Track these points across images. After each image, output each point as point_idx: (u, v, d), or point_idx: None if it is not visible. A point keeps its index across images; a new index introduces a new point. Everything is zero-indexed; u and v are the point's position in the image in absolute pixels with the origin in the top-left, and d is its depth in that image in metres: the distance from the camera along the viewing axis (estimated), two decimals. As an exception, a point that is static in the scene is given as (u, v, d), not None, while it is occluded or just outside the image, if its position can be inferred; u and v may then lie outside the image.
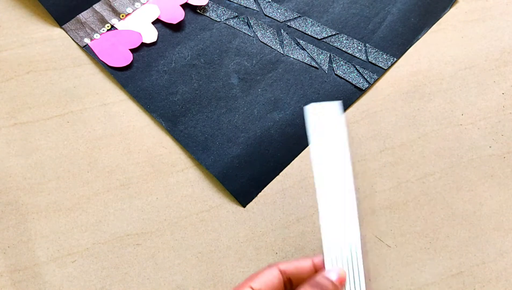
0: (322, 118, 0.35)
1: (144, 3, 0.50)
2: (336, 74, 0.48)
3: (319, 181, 0.35)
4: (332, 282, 0.34)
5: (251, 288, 0.33)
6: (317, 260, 0.36)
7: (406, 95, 0.47)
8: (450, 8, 0.51)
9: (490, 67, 0.49)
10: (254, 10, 0.50)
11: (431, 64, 0.49)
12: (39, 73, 0.47)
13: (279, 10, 0.50)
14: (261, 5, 0.51)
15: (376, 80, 0.48)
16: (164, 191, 0.43)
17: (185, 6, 0.50)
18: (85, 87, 0.46)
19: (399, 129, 0.46)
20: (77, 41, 0.48)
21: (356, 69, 0.48)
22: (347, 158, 0.35)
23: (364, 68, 0.48)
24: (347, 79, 0.47)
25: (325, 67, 0.48)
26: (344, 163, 0.35)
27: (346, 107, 0.46)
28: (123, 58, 0.47)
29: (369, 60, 0.48)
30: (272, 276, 0.34)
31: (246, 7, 0.50)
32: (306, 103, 0.46)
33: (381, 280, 0.40)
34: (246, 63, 0.48)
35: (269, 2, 0.51)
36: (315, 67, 0.48)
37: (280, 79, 0.47)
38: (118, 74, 0.47)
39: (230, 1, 0.51)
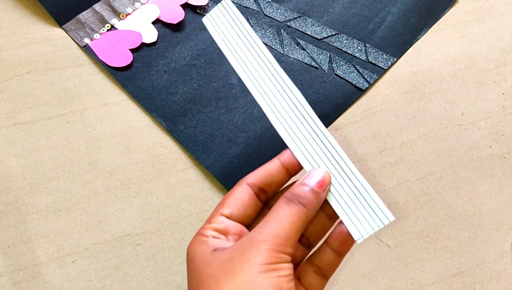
0: (221, 22, 0.35)
1: (144, 3, 0.50)
2: (336, 74, 0.48)
3: (247, 80, 0.34)
4: (311, 188, 0.30)
5: (222, 215, 0.31)
6: (284, 158, 0.32)
7: (406, 95, 0.47)
8: (450, 8, 0.51)
9: (490, 67, 0.49)
10: (254, 10, 0.50)
11: (431, 64, 0.49)
12: (39, 73, 0.47)
13: (279, 10, 0.50)
14: (261, 5, 0.51)
15: (376, 80, 0.48)
16: (164, 191, 0.43)
17: (185, 6, 0.50)
18: (85, 87, 0.46)
19: (399, 129, 0.46)
20: (77, 41, 0.48)
21: (356, 69, 0.48)
22: (261, 45, 0.34)
23: (364, 68, 0.48)
24: (347, 79, 0.47)
25: (325, 67, 0.48)
26: (262, 52, 0.33)
27: (346, 107, 0.46)
28: (123, 58, 0.47)
29: (369, 60, 0.48)
30: (241, 193, 0.32)
31: (246, 7, 0.50)
32: (306, 103, 0.46)
33: (381, 280, 0.40)
34: (246, 63, 0.48)
35: (269, 2, 0.51)
36: (315, 67, 0.48)
37: (280, 79, 0.47)
38: (118, 74, 0.47)
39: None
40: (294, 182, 0.32)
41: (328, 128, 0.46)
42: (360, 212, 0.30)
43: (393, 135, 0.46)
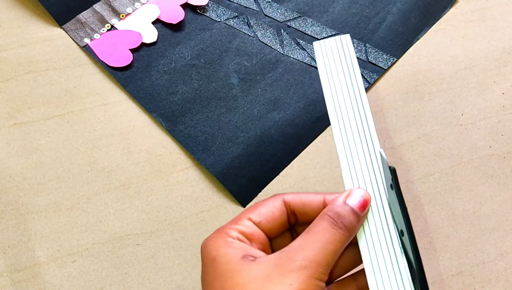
0: (332, 53, 0.32)
1: (144, 3, 0.50)
2: (336, 74, 0.47)
3: (332, 113, 0.31)
4: (352, 209, 0.29)
5: (250, 219, 0.30)
6: (330, 197, 0.31)
7: (406, 95, 0.47)
8: (450, 8, 0.51)
9: (490, 67, 0.49)
10: (254, 10, 0.50)
11: (431, 64, 0.49)
12: (39, 73, 0.47)
13: (279, 10, 0.50)
14: (261, 5, 0.51)
15: (376, 80, 0.48)
16: (164, 191, 0.43)
17: (185, 6, 0.50)
18: (85, 87, 0.46)
19: (399, 129, 0.46)
20: (77, 41, 0.48)
21: (356, 69, 0.48)
22: (362, 91, 0.31)
23: (364, 68, 0.48)
24: (347, 79, 0.47)
25: (325, 67, 0.48)
26: (360, 96, 0.31)
27: (346, 107, 0.46)
28: (123, 58, 0.47)
29: (369, 60, 0.48)
30: (274, 207, 0.31)
31: (246, 7, 0.50)
32: (306, 103, 0.46)
33: (381, 280, 0.40)
34: (246, 63, 0.48)
35: (269, 2, 0.51)
36: (315, 67, 0.48)
37: (280, 79, 0.47)
38: (118, 74, 0.47)
39: (230, 1, 0.51)
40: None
41: (328, 128, 0.46)
42: (388, 277, 0.28)
43: (393, 135, 0.46)
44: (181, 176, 0.43)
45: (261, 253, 0.29)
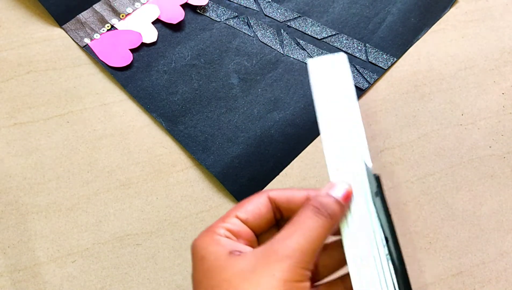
0: (327, 71, 0.32)
1: (144, 3, 0.50)
2: (336, 74, 0.47)
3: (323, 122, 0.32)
4: (335, 199, 0.29)
5: (237, 217, 0.31)
6: (313, 192, 0.31)
7: (406, 95, 0.47)
8: (450, 8, 0.51)
9: (490, 67, 0.49)
10: (254, 10, 0.50)
11: (431, 64, 0.49)
12: (39, 73, 0.47)
13: (279, 10, 0.50)
14: (261, 5, 0.51)
15: (376, 80, 0.48)
16: (164, 191, 0.43)
17: (185, 6, 0.50)
18: (85, 87, 0.46)
19: (399, 129, 0.46)
20: (77, 41, 0.48)
21: (356, 69, 0.48)
22: (356, 110, 0.31)
23: (364, 68, 0.48)
24: (347, 79, 0.47)
25: (325, 67, 0.48)
26: (353, 114, 0.31)
27: (346, 107, 0.46)
28: (123, 58, 0.47)
29: (369, 60, 0.48)
30: (260, 204, 0.31)
31: (246, 7, 0.50)
32: (306, 103, 0.46)
33: (381, 280, 0.40)
34: (246, 63, 0.48)
35: (269, 2, 0.51)
36: (315, 67, 0.48)
37: (280, 79, 0.47)
38: (118, 74, 0.47)
39: (230, 1, 0.51)
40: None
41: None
42: (372, 280, 0.29)
43: (393, 135, 0.46)
44: (181, 176, 0.43)
45: (248, 248, 0.29)
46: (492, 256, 0.41)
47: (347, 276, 0.31)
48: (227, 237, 0.30)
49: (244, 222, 0.31)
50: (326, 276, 0.32)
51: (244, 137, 0.45)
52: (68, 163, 0.43)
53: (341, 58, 0.33)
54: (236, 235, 0.30)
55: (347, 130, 0.32)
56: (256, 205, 0.31)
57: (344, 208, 0.30)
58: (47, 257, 0.40)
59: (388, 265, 0.29)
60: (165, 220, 0.42)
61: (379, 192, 0.29)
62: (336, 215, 0.29)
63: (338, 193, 0.30)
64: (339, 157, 0.32)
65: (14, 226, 0.41)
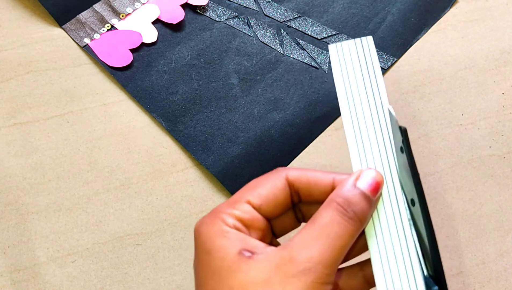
0: (350, 57, 0.29)
1: (144, 3, 0.50)
2: (336, 74, 0.47)
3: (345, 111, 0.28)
4: (363, 193, 0.25)
5: (249, 203, 0.27)
6: (339, 179, 0.27)
7: (406, 95, 0.47)
8: (450, 8, 0.51)
9: (490, 67, 0.49)
10: (254, 10, 0.50)
11: (431, 64, 0.49)
12: (39, 73, 0.47)
13: (279, 10, 0.50)
14: (261, 5, 0.51)
15: (376, 80, 0.48)
16: (164, 191, 0.43)
17: (185, 6, 0.50)
18: (85, 87, 0.46)
19: (399, 129, 0.46)
20: (77, 41, 0.48)
21: (356, 69, 0.48)
22: (384, 98, 0.28)
23: (364, 68, 0.48)
24: (347, 79, 0.47)
25: (325, 67, 0.48)
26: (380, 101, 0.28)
27: (346, 107, 0.46)
28: (123, 58, 0.47)
29: (369, 60, 0.48)
30: (276, 189, 0.27)
31: (246, 7, 0.50)
32: (306, 103, 0.46)
33: (381, 280, 0.40)
34: (246, 63, 0.48)
35: (269, 2, 0.51)
36: (315, 67, 0.48)
37: (280, 79, 0.47)
38: (118, 74, 0.47)
39: (230, 1, 0.51)
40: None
41: (328, 128, 0.46)
42: (397, 269, 0.25)
43: (393, 135, 0.46)
44: (181, 176, 0.43)
45: (260, 245, 0.26)
46: (492, 256, 0.41)
47: (366, 263, 0.28)
48: (237, 228, 0.26)
49: (256, 209, 0.27)
50: (344, 261, 0.29)
51: (244, 137, 0.45)
52: (68, 163, 0.43)
53: (367, 42, 0.30)
54: (248, 226, 0.27)
55: (373, 110, 0.29)
56: (271, 190, 0.27)
57: (373, 204, 0.26)
58: (47, 257, 0.40)
59: (417, 251, 0.25)
60: (165, 220, 0.42)
61: (405, 147, 0.26)
62: (365, 215, 0.25)
63: (365, 184, 0.26)
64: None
65: (14, 226, 0.41)
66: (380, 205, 0.26)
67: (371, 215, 0.26)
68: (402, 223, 0.26)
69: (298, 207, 0.29)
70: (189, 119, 0.45)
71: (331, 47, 0.30)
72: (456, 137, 0.46)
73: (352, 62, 0.30)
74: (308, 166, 0.44)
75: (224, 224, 0.26)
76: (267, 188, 0.27)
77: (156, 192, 0.43)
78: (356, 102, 0.29)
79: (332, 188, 0.27)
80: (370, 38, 0.30)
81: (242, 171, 0.43)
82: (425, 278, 0.25)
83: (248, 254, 0.25)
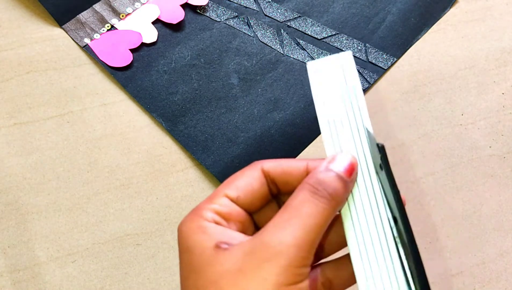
0: (328, 73, 0.29)
1: (144, 3, 0.50)
2: (336, 74, 0.47)
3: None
4: (337, 174, 0.25)
5: (227, 196, 0.26)
6: (313, 164, 0.27)
7: (406, 95, 0.47)
8: (450, 8, 0.51)
9: (490, 67, 0.49)
10: (254, 10, 0.50)
11: (431, 64, 0.49)
12: (39, 73, 0.47)
13: (279, 10, 0.50)
14: (261, 5, 0.51)
15: (376, 80, 0.48)
16: (164, 191, 0.43)
17: (185, 6, 0.50)
18: (85, 87, 0.46)
19: (399, 129, 0.46)
20: (77, 41, 0.48)
21: (356, 69, 0.48)
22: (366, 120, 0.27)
23: (364, 68, 0.48)
24: (347, 79, 0.47)
25: (325, 67, 0.48)
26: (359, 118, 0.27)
27: (346, 107, 0.46)
28: (123, 58, 0.47)
29: (369, 60, 0.48)
30: (253, 179, 0.27)
31: (246, 7, 0.50)
32: (306, 103, 0.46)
33: (381, 280, 0.40)
34: (246, 63, 0.48)
35: (269, 2, 0.51)
36: (315, 67, 0.48)
37: (280, 79, 0.47)
38: (118, 74, 0.47)
39: (230, 1, 0.51)
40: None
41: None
42: (379, 273, 0.25)
43: (393, 135, 0.46)
44: (181, 176, 0.43)
45: (239, 236, 0.25)
46: (492, 256, 0.41)
47: None
48: (216, 221, 0.26)
49: (234, 201, 0.27)
50: (332, 253, 0.28)
51: (244, 137, 0.45)
52: (68, 163, 0.43)
53: (346, 57, 0.29)
54: (226, 218, 0.26)
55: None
56: (247, 181, 0.27)
57: (348, 185, 0.25)
58: (47, 257, 0.40)
59: (398, 250, 0.25)
60: (165, 220, 0.42)
61: (384, 164, 0.25)
62: (339, 195, 0.25)
63: (339, 166, 0.25)
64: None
65: (14, 226, 0.41)
66: (355, 192, 0.26)
67: (347, 198, 0.26)
68: (379, 211, 0.26)
69: (280, 198, 0.29)
70: (189, 119, 0.45)
71: (309, 64, 0.30)
72: (456, 137, 0.46)
73: (331, 80, 0.29)
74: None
75: (202, 220, 0.26)
76: (244, 180, 0.27)
77: (156, 192, 0.43)
78: (336, 119, 0.29)
79: (307, 174, 0.27)
80: (349, 53, 0.30)
81: (242, 171, 0.43)
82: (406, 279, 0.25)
83: (225, 246, 0.24)
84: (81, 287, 0.40)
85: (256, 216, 0.29)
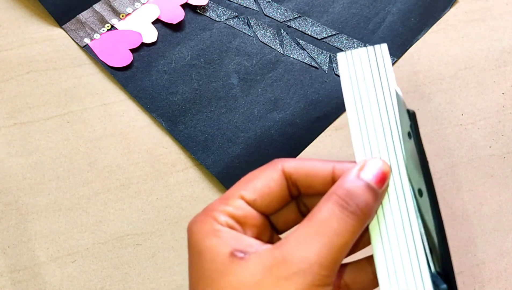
0: (361, 67, 0.27)
1: (144, 3, 0.50)
2: (336, 74, 0.48)
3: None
4: (367, 185, 0.23)
5: (243, 198, 0.25)
6: (340, 167, 0.25)
7: (406, 95, 0.47)
8: (450, 8, 0.51)
9: (490, 67, 0.49)
10: (254, 10, 0.50)
11: (431, 64, 0.49)
12: (39, 73, 0.47)
13: (279, 10, 0.50)
14: (261, 5, 0.51)
15: (376, 80, 0.48)
16: (164, 191, 0.43)
17: (185, 6, 0.50)
18: (85, 87, 0.46)
19: (399, 129, 0.46)
20: (77, 41, 0.48)
21: (356, 69, 0.48)
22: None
23: (364, 68, 0.48)
24: (347, 79, 0.47)
25: (325, 67, 0.48)
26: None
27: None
28: (123, 58, 0.47)
29: (369, 60, 0.48)
30: (272, 181, 0.25)
31: (246, 7, 0.50)
32: (306, 103, 0.46)
33: (381, 280, 0.40)
34: (246, 63, 0.48)
35: (269, 2, 0.51)
36: (315, 67, 0.48)
37: (280, 79, 0.47)
38: (118, 74, 0.47)
39: (230, 1, 0.51)
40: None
41: (328, 128, 0.46)
42: (402, 266, 0.23)
43: (393, 135, 0.46)
44: (181, 176, 0.43)
45: (255, 243, 0.24)
46: (492, 256, 0.41)
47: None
48: (230, 226, 0.24)
49: (250, 204, 0.25)
50: (349, 255, 0.27)
51: (244, 137, 0.45)
52: (68, 163, 0.43)
53: (381, 50, 0.27)
54: (241, 223, 0.25)
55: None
56: (266, 182, 0.25)
57: (379, 197, 0.23)
58: (47, 257, 0.40)
59: (424, 249, 0.24)
60: (165, 220, 0.42)
61: (413, 132, 0.23)
62: (370, 209, 0.23)
63: (370, 174, 0.23)
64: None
65: (14, 226, 0.41)
66: (385, 198, 0.24)
67: (376, 210, 0.24)
68: (409, 217, 0.24)
69: (301, 199, 0.27)
70: (189, 119, 0.45)
71: (339, 55, 0.28)
72: (456, 137, 0.46)
73: (363, 72, 0.27)
74: (308, 166, 0.44)
75: (216, 223, 0.24)
76: (262, 181, 0.25)
77: (156, 192, 0.43)
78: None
79: (332, 178, 0.25)
80: (384, 46, 0.28)
81: (242, 171, 0.43)
82: (432, 275, 0.24)
83: (240, 254, 0.23)
84: (81, 287, 0.40)
85: (273, 216, 0.27)
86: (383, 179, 0.23)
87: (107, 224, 0.42)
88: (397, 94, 0.25)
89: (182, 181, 0.43)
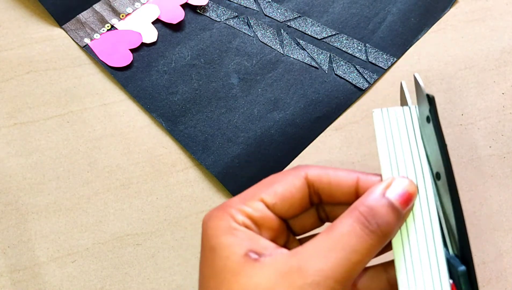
0: (397, 124, 0.26)
1: (144, 3, 0.50)
2: (336, 74, 0.48)
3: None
4: (391, 204, 0.22)
5: (263, 201, 0.25)
6: (365, 180, 0.25)
7: (406, 95, 0.47)
8: (450, 8, 0.51)
9: (490, 67, 0.49)
10: (254, 10, 0.50)
11: (431, 64, 0.49)
12: (39, 73, 0.47)
13: (279, 10, 0.50)
14: (261, 5, 0.51)
15: (376, 80, 0.48)
16: (164, 191, 0.43)
17: (185, 6, 0.50)
18: (85, 87, 0.46)
19: (399, 129, 0.46)
20: (77, 41, 0.48)
21: (356, 69, 0.48)
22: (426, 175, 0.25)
23: (364, 68, 0.48)
24: (347, 79, 0.47)
25: (325, 67, 0.48)
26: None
27: (346, 107, 0.46)
28: (123, 58, 0.47)
29: (369, 60, 0.48)
30: (294, 187, 0.25)
31: (246, 7, 0.50)
32: (306, 103, 0.46)
33: (381, 280, 0.40)
34: (246, 63, 0.48)
35: (269, 2, 0.51)
36: (315, 67, 0.48)
37: (280, 79, 0.47)
38: (118, 74, 0.47)
39: (230, 1, 0.51)
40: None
41: (328, 128, 0.46)
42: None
43: (393, 135, 0.46)
44: (181, 176, 0.43)
45: (270, 246, 0.24)
46: (492, 256, 0.41)
47: (391, 264, 0.25)
48: (247, 226, 0.24)
49: (270, 207, 0.25)
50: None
51: (244, 137, 0.45)
52: (68, 163, 0.43)
53: (412, 111, 0.27)
54: (258, 224, 0.25)
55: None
56: (287, 188, 0.25)
57: (401, 217, 0.23)
58: (47, 257, 0.40)
59: (438, 214, 0.23)
60: (165, 220, 0.42)
61: (432, 116, 0.24)
62: (390, 229, 0.22)
63: (395, 193, 0.23)
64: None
65: (14, 226, 0.41)
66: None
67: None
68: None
69: (321, 206, 0.27)
70: (189, 119, 0.45)
71: (375, 112, 0.28)
72: (456, 137, 0.46)
73: (398, 128, 0.27)
74: (308, 166, 0.44)
75: (232, 220, 0.24)
76: (284, 186, 0.25)
77: (156, 192, 0.43)
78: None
79: (356, 189, 0.25)
80: (413, 108, 0.27)
81: (242, 171, 0.43)
82: (450, 258, 0.23)
83: (254, 256, 0.23)
84: (81, 287, 0.40)
85: (291, 220, 0.27)
86: (408, 200, 0.23)
87: (107, 224, 0.42)
88: (416, 81, 0.25)
89: (182, 181, 0.43)
